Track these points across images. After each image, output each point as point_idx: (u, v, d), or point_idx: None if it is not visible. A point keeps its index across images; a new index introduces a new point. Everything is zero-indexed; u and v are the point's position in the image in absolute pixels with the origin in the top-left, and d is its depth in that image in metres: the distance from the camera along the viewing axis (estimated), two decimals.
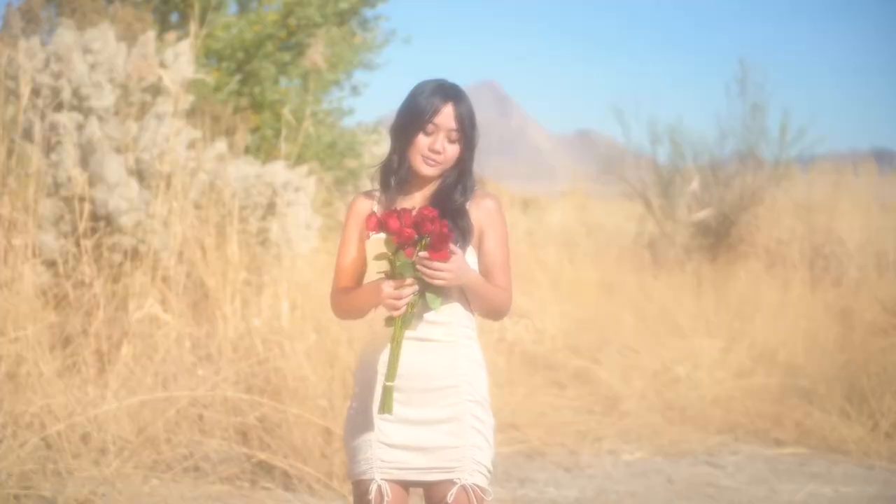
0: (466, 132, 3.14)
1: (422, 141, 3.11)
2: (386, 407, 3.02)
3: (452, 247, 2.98)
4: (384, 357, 3.11)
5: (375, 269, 3.08)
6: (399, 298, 2.97)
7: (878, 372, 7.92)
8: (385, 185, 3.20)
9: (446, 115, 3.11)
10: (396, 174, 3.17)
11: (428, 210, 2.95)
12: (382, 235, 3.01)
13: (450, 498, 3.09)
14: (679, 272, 11.90)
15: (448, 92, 3.13)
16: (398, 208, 2.99)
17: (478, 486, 3.12)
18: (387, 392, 3.01)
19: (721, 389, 8.32)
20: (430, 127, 3.10)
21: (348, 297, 3.17)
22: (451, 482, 3.11)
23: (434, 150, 3.11)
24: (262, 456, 5.72)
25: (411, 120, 3.11)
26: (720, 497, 6.36)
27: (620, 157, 15.12)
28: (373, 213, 3.03)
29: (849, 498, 6.40)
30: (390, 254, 2.97)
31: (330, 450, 5.82)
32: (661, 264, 12.27)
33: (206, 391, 5.97)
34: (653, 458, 7.20)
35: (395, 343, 3.02)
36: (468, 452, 3.12)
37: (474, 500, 3.11)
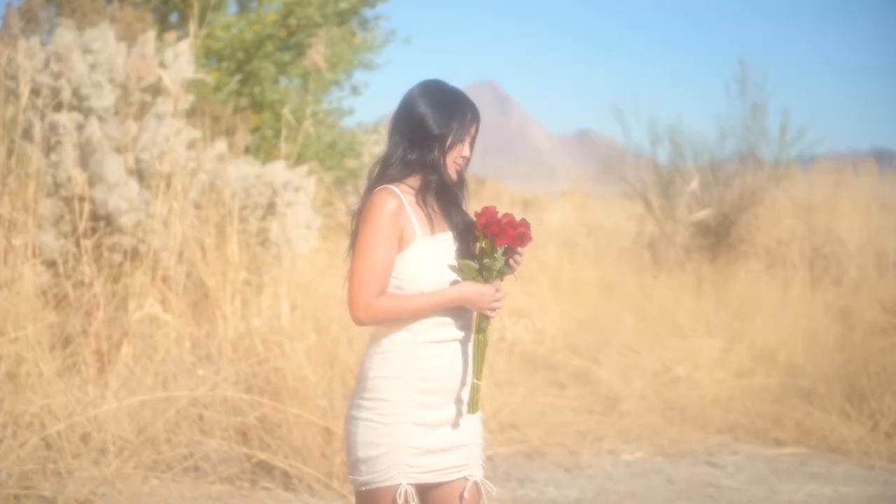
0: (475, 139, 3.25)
1: (459, 149, 3.17)
2: (475, 406, 3.15)
3: None
4: (427, 363, 3.09)
5: (458, 273, 3.10)
6: (500, 300, 3.11)
7: (878, 372, 7.92)
8: (426, 185, 3.15)
9: (477, 125, 3.22)
10: (437, 174, 3.15)
11: (494, 210, 3.09)
12: (432, 242, 3.09)
13: (466, 494, 3.13)
14: (679, 272, 11.90)
15: (474, 103, 3.23)
16: (493, 217, 3.07)
17: (486, 482, 3.19)
18: (476, 390, 3.14)
19: (721, 389, 8.32)
20: (467, 137, 3.19)
21: (413, 302, 3.06)
22: (464, 479, 3.15)
23: (464, 156, 3.18)
24: (262, 456, 5.72)
25: (461, 129, 3.16)
26: (720, 497, 6.36)
27: (620, 157, 15.13)
28: (505, 224, 3.06)
29: (849, 498, 6.40)
30: (493, 257, 3.08)
31: (330, 450, 5.82)
32: (661, 264, 12.27)
33: (206, 391, 5.97)
34: (653, 458, 7.20)
35: (483, 343, 3.14)
36: (477, 449, 3.20)
37: (484, 496, 3.18)
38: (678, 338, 9.34)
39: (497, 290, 3.10)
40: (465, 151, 3.17)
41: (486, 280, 3.10)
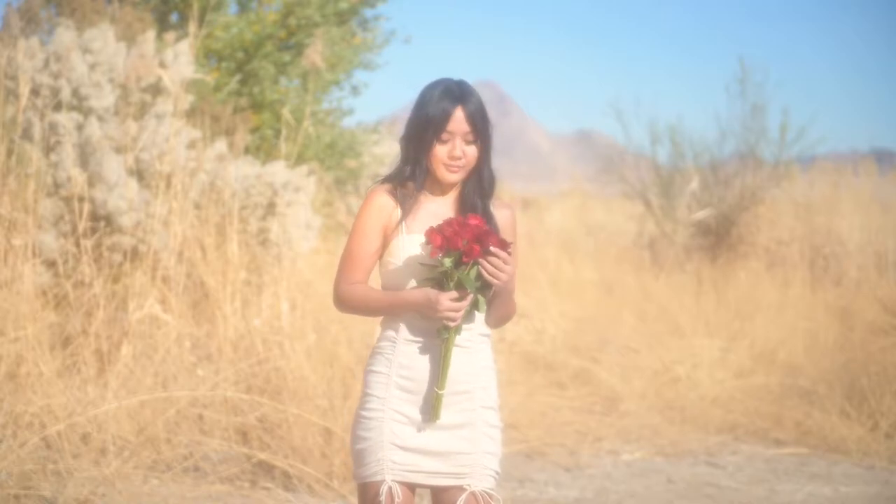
0: (481, 132, 3.10)
1: (439, 150, 3.09)
2: (435, 414, 3.07)
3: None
4: (406, 361, 3.11)
5: (415, 278, 3.07)
6: (457, 311, 2.98)
7: (878, 372, 7.91)
8: (404, 192, 3.15)
9: (458, 120, 3.07)
10: (415, 181, 3.14)
11: (475, 219, 2.96)
12: (408, 240, 3.07)
13: (460, 503, 3.10)
14: (679, 272, 11.90)
15: (456, 94, 3.08)
16: (451, 222, 2.95)
17: (488, 492, 3.13)
18: (438, 400, 3.06)
19: (721, 389, 8.32)
20: (445, 135, 3.07)
21: (373, 297, 3.11)
22: (462, 488, 3.12)
23: (454, 156, 3.09)
24: (262, 456, 5.72)
25: (425, 130, 3.08)
26: (720, 497, 6.36)
27: (620, 157, 15.13)
28: (435, 232, 2.96)
29: (849, 498, 6.40)
30: (448, 267, 2.96)
31: (330, 450, 5.82)
32: (661, 264, 12.27)
33: (206, 391, 5.96)
34: (653, 458, 7.20)
35: (448, 352, 3.04)
36: (480, 459, 3.14)
37: None
38: (678, 338, 9.34)
39: (454, 300, 2.96)
40: (457, 151, 3.08)
41: (443, 288, 2.98)
